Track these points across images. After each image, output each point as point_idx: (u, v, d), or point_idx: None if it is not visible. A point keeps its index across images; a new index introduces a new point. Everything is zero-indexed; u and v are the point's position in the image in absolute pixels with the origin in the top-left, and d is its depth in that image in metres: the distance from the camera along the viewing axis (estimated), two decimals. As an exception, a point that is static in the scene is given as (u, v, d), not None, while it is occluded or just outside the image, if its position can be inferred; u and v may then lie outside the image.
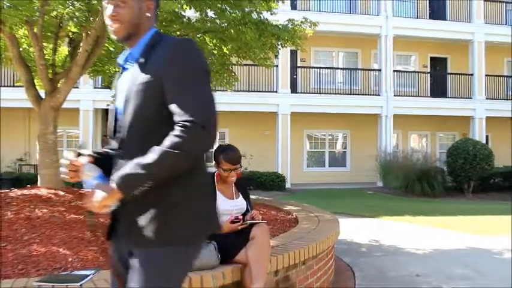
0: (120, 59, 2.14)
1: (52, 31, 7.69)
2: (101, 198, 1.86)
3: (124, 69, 2.13)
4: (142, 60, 2.00)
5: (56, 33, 7.57)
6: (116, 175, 1.88)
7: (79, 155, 2.03)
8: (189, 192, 1.97)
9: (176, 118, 1.87)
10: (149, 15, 2.08)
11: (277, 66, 19.29)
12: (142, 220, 1.93)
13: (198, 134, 1.85)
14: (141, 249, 1.95)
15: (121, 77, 2.14)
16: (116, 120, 2.11)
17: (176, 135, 1.84)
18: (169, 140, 1.84)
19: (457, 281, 5.56)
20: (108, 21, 2.06)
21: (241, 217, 3.86)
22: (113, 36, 2.07)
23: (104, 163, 2.07)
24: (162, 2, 6.47)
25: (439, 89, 23.05)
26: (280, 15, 9.45)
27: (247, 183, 4.57)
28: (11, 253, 4.02)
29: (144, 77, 1.94)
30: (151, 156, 1.84)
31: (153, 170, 1.84)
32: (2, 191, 6.58)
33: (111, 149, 2.17)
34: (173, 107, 1.89)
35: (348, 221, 9.32)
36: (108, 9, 2.04)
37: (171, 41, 2.01)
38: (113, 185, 1.86)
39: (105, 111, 20.97)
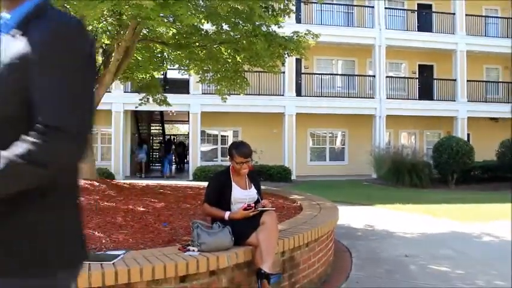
0: None
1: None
2: None
3: None
4: (15, 33, 1.30)
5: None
6: None
7: None
8: (48, 211, 1.29)
9: (38, 118, 1.20)
10: None
11: (284, 72, 19.20)
12: None
13: (63, 144, 1.20)
14: None
15: None
16: None
17: (32, 142, 1.17)
18: (21, 147, 1.17)
19: (441, 260, 5.53)
20: None
21: (253, 205, 3.86)
22: None
23: None
24: (183, 16, 6.48)
25: (426, 93, 22.89)
26: (287, 27, 9.39)
27: (258, 176, 4.57)
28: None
29: (11, 57, 1.26)
30: None
31: None
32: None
33: None
34: (37, 103, 1.22)
35: (346, 208, 9.27)
36: None
37: (54, 20, 1.30)
38: None
39: (134, 113, 21.11)
